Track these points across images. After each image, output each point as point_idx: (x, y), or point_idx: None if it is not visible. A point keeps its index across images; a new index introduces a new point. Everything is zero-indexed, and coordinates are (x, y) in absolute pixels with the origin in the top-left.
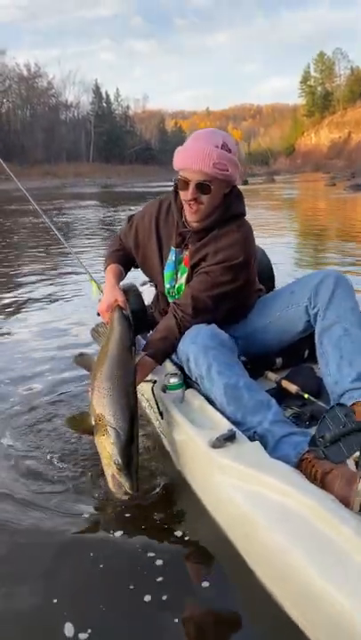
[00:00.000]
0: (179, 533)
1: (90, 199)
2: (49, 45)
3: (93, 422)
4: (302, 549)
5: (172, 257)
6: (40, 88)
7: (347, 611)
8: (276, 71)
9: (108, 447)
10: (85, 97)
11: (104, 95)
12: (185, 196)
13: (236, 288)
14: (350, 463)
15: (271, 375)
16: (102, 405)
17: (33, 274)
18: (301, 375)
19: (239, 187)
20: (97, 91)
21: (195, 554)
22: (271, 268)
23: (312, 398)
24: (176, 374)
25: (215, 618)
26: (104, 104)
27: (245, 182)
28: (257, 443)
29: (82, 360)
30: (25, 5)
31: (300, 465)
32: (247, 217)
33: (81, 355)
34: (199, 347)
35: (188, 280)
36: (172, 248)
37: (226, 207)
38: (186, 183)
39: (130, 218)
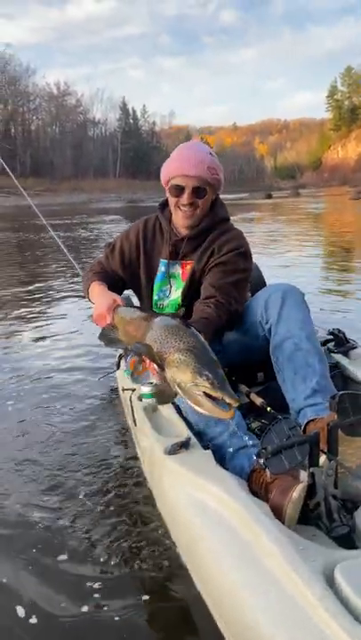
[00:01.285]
0: (132, 536)
1: (115, 214)
2: (80, 64)
3: (156, 367)
4: (230, 557)
5: (161, 268)
6: (69, 106)
7: (260, 623)
8: (303, 86)
9: (188, 368)
10: (113, 114)
11: (131, 112)
12: (180, 201)
13: (247, 278)
14: (303, 475)
15: (242, 388)
16: (165, 341)
17: (51, 289)
18: (275, 390)
19: (264, 200)
20: (124, 107)
21: (143, 557)
22: (264, 283)
23: (274, 412)
24: (151, 383)
25: (150, 617)
26: (131, 121)
27: (269, 196)
28: (208, 452)
29: (107, 339)
30: (56, 26)
31: (252, 475)
32: (268, 230)
33: (106, 336)
34: None
35: (185, 294)
36: (162, 260)
37: (214, 213)
38: (181, 189)
39: (109, 244)
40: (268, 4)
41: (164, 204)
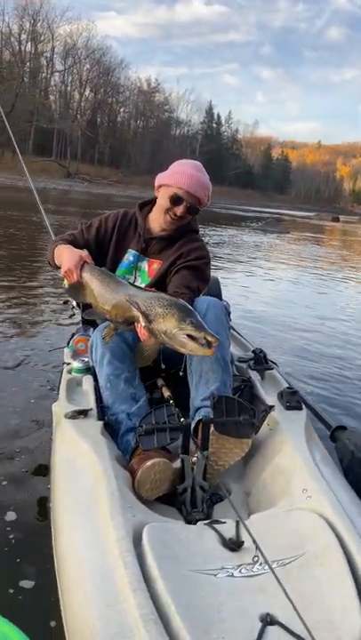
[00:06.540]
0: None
1: None
2: (178, 64)
3: (143, 321)
4: (74, 502)
5: (129, 257)
6: (156, 102)
7: (76, 550)
8: None
9: (174, 317)
10: (197, 116)
11: (215, 117)
12: (174, 210)
13: (207, 285)
14: (177, 461)
15: (158, 381)
16: (150, 301)
17: None
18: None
19: (330, 222)
20: (209, 111)
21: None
22: (220, 296)
23: (173, 405)
24: (83, 360)
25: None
26: (214, 125)
27: (337, 219)
28: (100, 422)
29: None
30: (164, 25)
31: (135, 449)
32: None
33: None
34: (101, 337)
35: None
36: (132, 251)
37: (188, 224)
38: (180, 201)
39: (86, 222)
40: None
41: (143, 205)
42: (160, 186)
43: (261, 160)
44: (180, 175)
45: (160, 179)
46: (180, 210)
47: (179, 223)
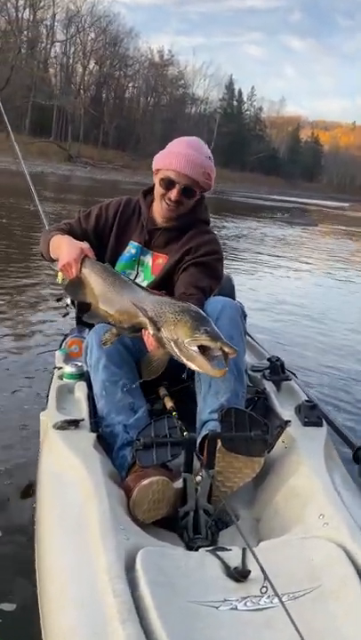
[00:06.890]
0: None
1: None
2: (194, 33)
3: (151, 329)
4: (62, 519)
5: (131, 250)
6: (169, 77)
7: (63, 570)
8: None
9: (187, 324)
10: (216, 92)
11: (236, 93)
12: (168, 195)
13: (219, 284)
14: (179, 481)
15: (161, 390)
16: (160, 306)
17: None
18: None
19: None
20: (230, 87)
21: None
22: (234, 295)
23: (175, 417)
24: (76, 365)
25: None
26: (235, 102)
27: None
28: (93, 434)
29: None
30: None
31: (132, 465)
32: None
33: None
34: (98, 338)
35: (154, 287)
36: (134, 243)
37: (195, 212)
38: (172, 184)
39: (84, 210)
40: None
41: (147, 192)
42: (157, 170)
43: (288, 142)
44: (172, 155)
45: (155, 162)
46: (173, 194)
47: (178, 210)
